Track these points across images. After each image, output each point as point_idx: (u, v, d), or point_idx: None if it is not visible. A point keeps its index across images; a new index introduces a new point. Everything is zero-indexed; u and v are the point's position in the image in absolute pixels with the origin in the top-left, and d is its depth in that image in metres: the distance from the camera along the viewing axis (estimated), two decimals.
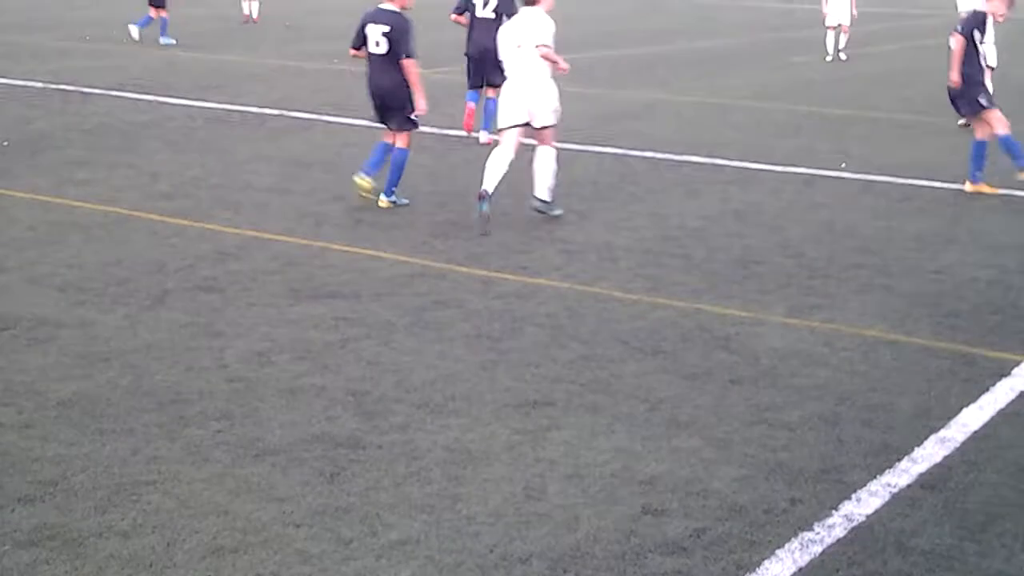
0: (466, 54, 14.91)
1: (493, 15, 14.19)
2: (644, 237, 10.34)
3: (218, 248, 9.65)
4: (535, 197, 10.85)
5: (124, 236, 10.07)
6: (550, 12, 10.98)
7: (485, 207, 10.40)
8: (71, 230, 10.23)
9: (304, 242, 9.90)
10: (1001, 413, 6.53)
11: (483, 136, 14.36)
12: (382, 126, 11.45)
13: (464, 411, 6.42)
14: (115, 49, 24.78)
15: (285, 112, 17.06)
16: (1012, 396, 6.77)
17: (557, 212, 10.90)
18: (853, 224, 11.01)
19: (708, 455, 5.94)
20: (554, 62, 10.74)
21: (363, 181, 11.26)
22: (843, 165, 13.68)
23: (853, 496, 5.48)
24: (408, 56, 10.91)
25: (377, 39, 10.97)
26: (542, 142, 10.87)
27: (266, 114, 16.91)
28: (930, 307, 8.50)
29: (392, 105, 11.14)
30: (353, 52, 11.29)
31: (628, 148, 14.59)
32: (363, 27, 11.06)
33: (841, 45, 26.44)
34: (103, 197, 11.46)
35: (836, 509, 5.36)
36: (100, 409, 6.35)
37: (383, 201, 11.28)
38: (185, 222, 10.51)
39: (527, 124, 10.83)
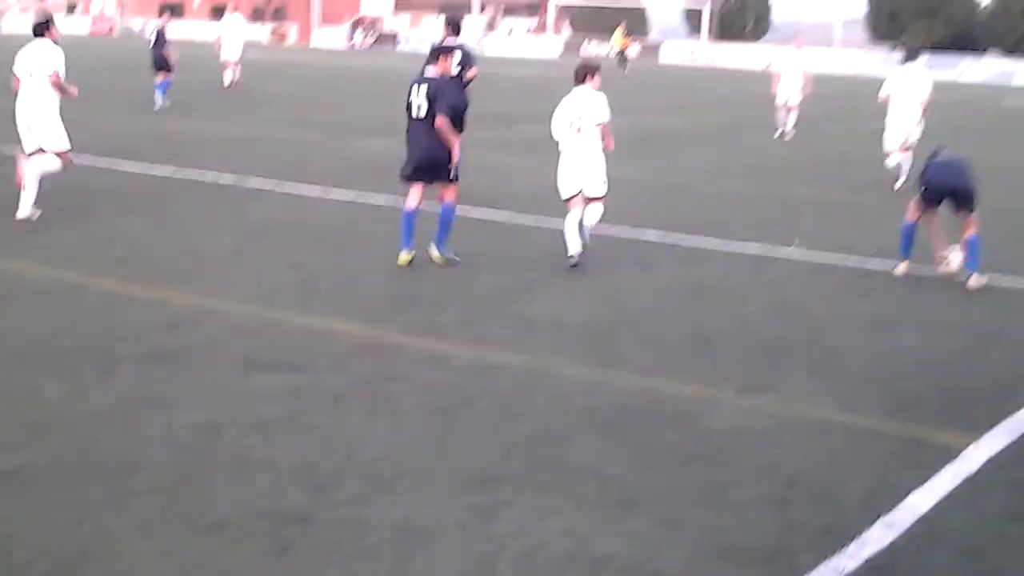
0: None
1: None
2: (598, 312, 10.39)
3: (171, 317, 9.60)
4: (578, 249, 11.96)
5: (75, 302, 10.00)
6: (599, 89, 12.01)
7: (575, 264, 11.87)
8: (21, 295, 10.15)
9: (258, 312, 9.87)
10: (947, 497, 6.58)
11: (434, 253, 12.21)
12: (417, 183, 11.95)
13: (415, 487, 6.40)
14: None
15: (243, 179, 17.05)
16: (958, 481, 6.81)
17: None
18: (805, 303, 11.12)
19: (659, 535, 5.94)
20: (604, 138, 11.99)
21: (407, 256, 11.73)
22: (795, 243, 13.83)
23: None
24: (443, 112, 11.51)
25: (420, 102, 11.58)
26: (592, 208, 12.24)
27: (223, 182, 16.90)
28: (880, 388, 8.58)
29: (431, 165, 11.77)
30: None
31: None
32: (409, 92, 11.72)
33: (790, 124, 26.91)
34: (55, 262, 11.39)
35: None
36: (44, 480, 6.27)
37: (436, 256, 11.82)
38: (138, 289, 10.46)
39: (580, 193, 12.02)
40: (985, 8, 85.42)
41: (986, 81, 67.77)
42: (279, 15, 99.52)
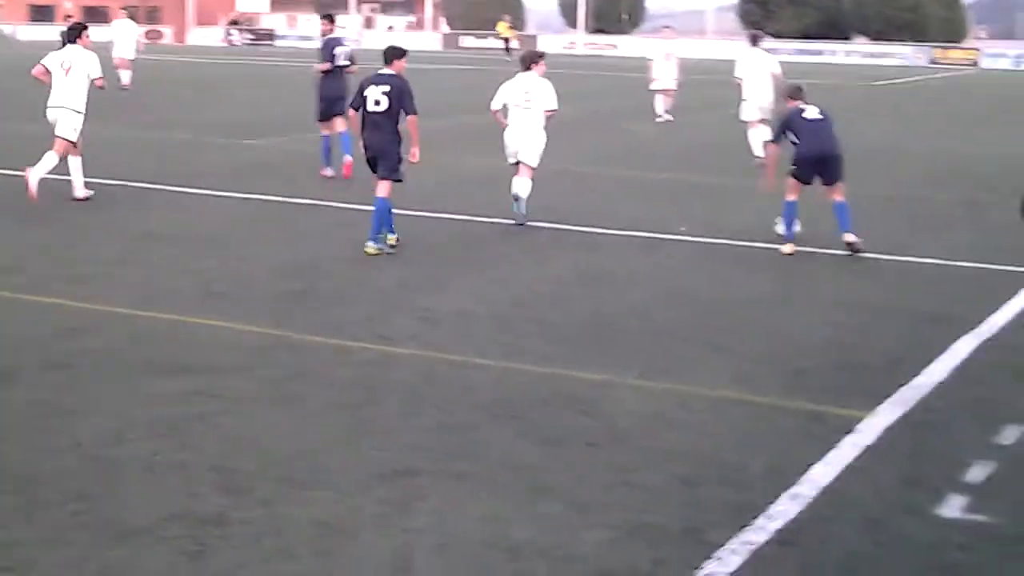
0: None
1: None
2: (497, 303, 10.48)
3: (67, 324, 9.45)
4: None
5: None
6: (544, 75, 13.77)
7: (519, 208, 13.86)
8: None
9: (156, 316, 9.75)
10: (848, 468, 6.79)
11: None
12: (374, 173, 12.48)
13: (329, 483, 6.41)
14: None
15: (129, 183, 16.79)
16: (857, 452, 7.04)
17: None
18: (696, 287, 11.34)
19: (572, 519, 6.04)
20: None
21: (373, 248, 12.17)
22: (682, 229, 14.07)
23: (715, 555, 5.64)
24: (413, 113, 12.26)
25: (378, 98, 12.15)
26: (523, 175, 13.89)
27: (112, 185, 16.62)
28: (776, 367, 8.80)
29: (384, 157, 12.24)
30: (352, 114, 12.58)
31: (475, 215, 14.77)
32: (363, 89, 12.29)
33: (666, 107, 27.99)
34: None
35: (699, 568, 5.51)
36: None
37: (370, 247, 12.11)
38: (31, 297, 10.27)
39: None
40: None
41: (855, 63, 69.50)
42: (153, 17, 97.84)
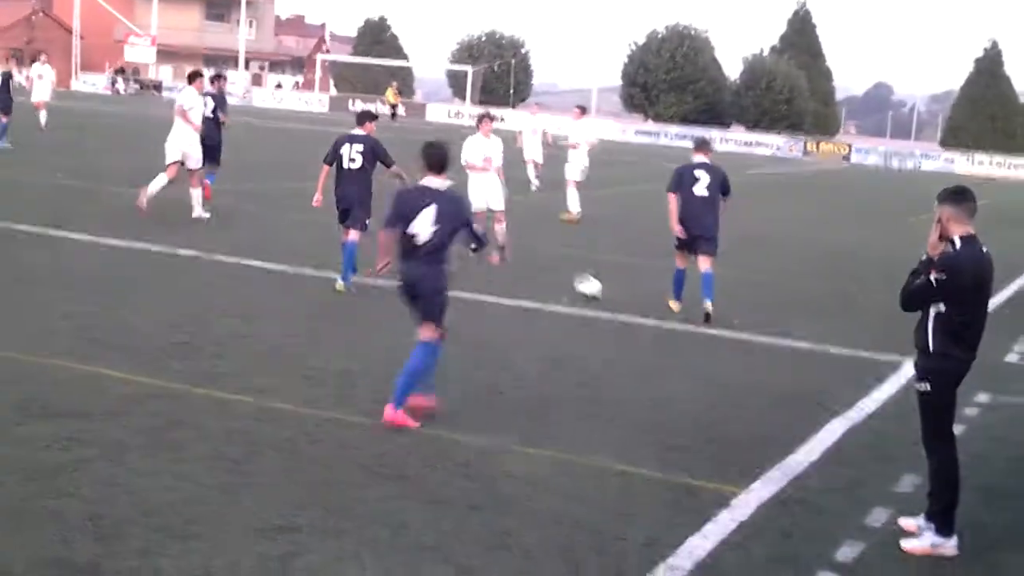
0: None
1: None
2: (380, 363, 10.44)
3: None
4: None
5: None
6: None
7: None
8: None
9: (30, 359, 9.54)
10: (724, 543, 6.92)
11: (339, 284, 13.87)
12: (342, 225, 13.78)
13: (207, 535, 6.33)
14: None
15: (10, 225, 16.41)
16: (733, 526, 7.18)
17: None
18: (576, 356, 11.47)
19: None
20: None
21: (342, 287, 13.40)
22: (563, 300, 14.22)
23: None
24: (393, 163, 13.59)
25: (353, 156, 13.50)
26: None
27: None
28: (652, 437, 8.94)
29: (355, 208, 13.54)
30: (326, 168, 13.77)
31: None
32: (338, 147, 13.55)
33: (532, 177, 29.13)
34: None
35: None
36: None
37: (340, 286, 13.53)
38: None
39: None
40: (732, 84, 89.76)
41: (731, 150, 71.23)
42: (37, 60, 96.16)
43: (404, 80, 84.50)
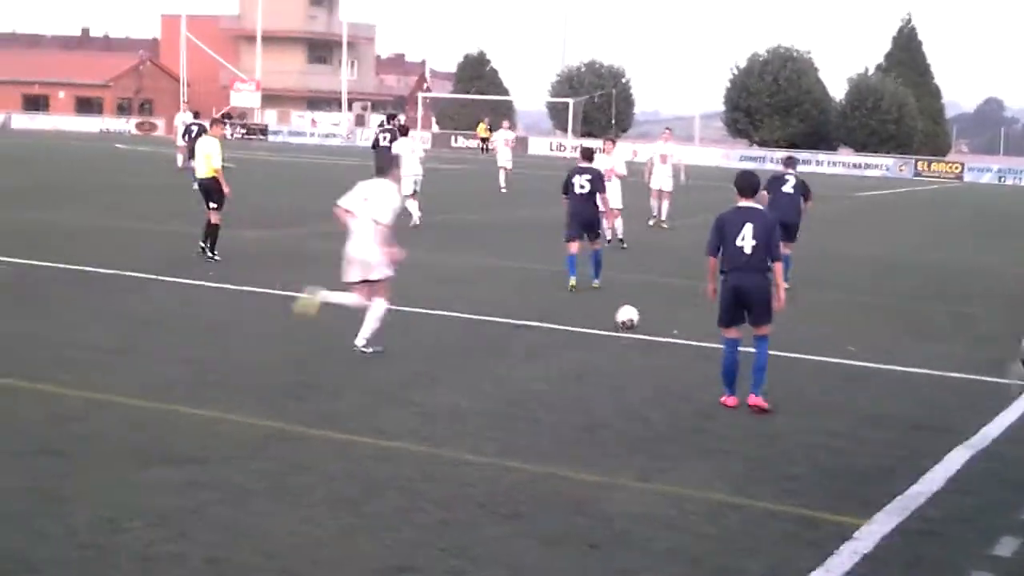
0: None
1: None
2: (491, 400, 10.49)
3: (59, 411, 9.42)
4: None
5: None
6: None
7: None
8: None
9: (150, 404, 9.74)
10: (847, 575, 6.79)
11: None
12: (574, 240, 17.19)
13: None
14: None
15: (120, 272, 16.84)
16: (856, 559, 7.03)
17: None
18: (689, 389, 11.36)
19: None
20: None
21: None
22: (675, 332, 14.13)
23: None
24: (604, 191, 17.77)
25: (583, 184, 17.06)
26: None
27: (101, 273, 16.67)
28: (769, 471, 8.81)
29: (588, 227, 17.36)
30: (564, 199, 17.42)
31: (465, 312, 14.83)
32: (570, 177, 17.23)
33: (664, 213, 28.24)
34: None
35: None
36: None
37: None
38: (23, 384, 10.24)
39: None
40: (837, 105, 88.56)
41: (839, 173, 70.44)
42: (145, 109, 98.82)
43: (507, 114, 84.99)
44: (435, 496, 7.79)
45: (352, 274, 12.13)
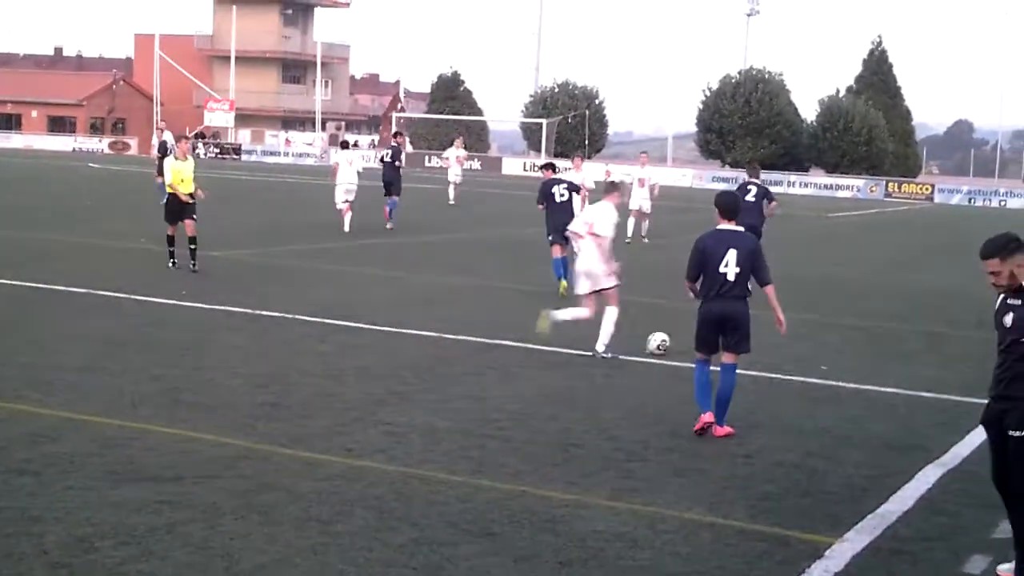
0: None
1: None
2: (465, 419, 10.47)
3: (31, 430, 9.35)
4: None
5: None
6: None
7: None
8: None
9: (121, 423, 9.69)
10: None
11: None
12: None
13: None
14: None
15: (92, 290, 16.75)
16: None
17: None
18: (662, 408, 11.38)
19: None
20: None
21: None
22: (650, 349, 14.13)
23: None
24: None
25: (562, 192, 18.61)
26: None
27: (73, 292, 16.59)
28: (742, 490, 8.83)
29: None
30: (540, 207, 19.09)
31: (439, 331, 14.81)
32: (548, 188, 18.77)
33: (644, 230, 29.53)
34: None
35: None
36: None
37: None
38: None
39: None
40: (809, 127, 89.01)
41: (810, 194, 70.85)
42: (118, 128, 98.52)
43: (479, 135, 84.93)
44: (407, 515, 7.77)
45: (582, 286, 13.67)
